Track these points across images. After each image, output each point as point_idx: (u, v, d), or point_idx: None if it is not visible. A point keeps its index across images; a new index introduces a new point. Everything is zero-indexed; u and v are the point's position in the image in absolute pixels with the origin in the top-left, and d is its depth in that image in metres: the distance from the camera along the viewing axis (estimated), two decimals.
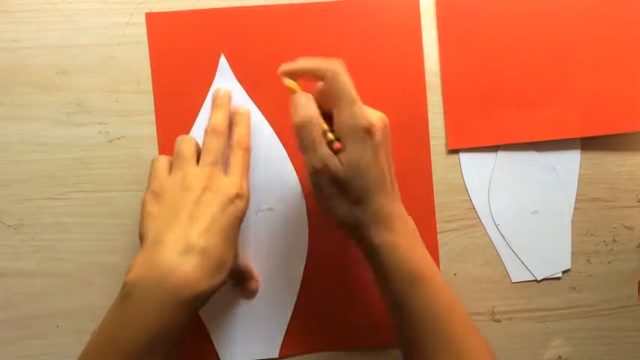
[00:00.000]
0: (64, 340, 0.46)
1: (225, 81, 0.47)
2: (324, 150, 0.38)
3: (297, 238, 0.47)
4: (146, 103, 0.47)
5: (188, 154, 0.42)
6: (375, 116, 0.39)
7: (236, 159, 0.43)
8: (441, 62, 0.48)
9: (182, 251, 0.36)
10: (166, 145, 0.47)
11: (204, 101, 0.47)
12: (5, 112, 0.46)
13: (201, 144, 0.43)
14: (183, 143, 0.42)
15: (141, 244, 0.39)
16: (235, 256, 0.41)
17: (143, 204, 0.41)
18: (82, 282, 0.46)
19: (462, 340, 0.39)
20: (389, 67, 0.48)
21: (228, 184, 0.41)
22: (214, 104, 0.45)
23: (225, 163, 0.42)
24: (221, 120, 0.44)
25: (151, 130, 0.47)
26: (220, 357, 0.47)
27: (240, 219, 0.41)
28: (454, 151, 0.49)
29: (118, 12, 0.46)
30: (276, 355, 0.47)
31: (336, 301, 0.48)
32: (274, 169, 0.47)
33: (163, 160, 0.43)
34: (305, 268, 0.47)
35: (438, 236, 0.48)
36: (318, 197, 0.41)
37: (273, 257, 0.47)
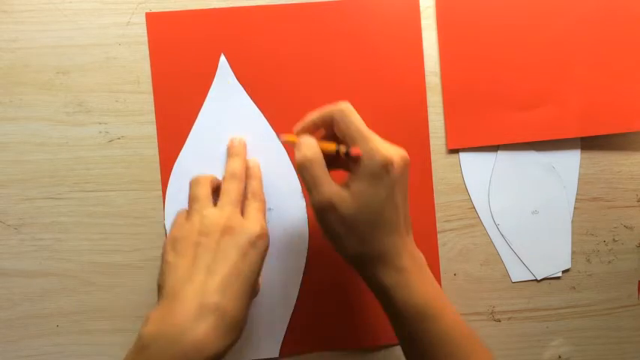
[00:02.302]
0: (64, 340, 0.46)
1: (225, 81, 0.47)
2: (330, 188, 0.38)
3: (297, 238, 0.47)
4: (146, 103, 0.47)
5: (203, 195, 0.41)
6: (394, 152, 0.38)
7: (253, 206, 0.42)
8: (441, 62, 0.48)
9: (197, 311, 0.35)
10: (166, 145, 0.47)
11: (204, 101, 0.47)
12: (5, 112, 0.46)
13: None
14: (197, 186, 0.42)
15: (158, 293, 0.39)
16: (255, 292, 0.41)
17: (162, 252, 0.40)
18: (82, 282, 0.46)
19: None
20: (389, 67, 0.48)
21: (249, 223, 0.40)
22: (230, 152, 0.45)
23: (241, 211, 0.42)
24: (239, 166, 0.44)
25: (151, 130, 0.47)
26: None
27: (261, 263, 0.39)
28: (454, 151, 0.49)
29: (118, 12, 0.46)
30: (277, 355, 0.47)
31: (336, 302, 0.48)
32: (274, 170, 0.47)
33: (183, 210, 0.42)
34: (305, 268, 0.47)
35: (438, 236, 0.48)
36: (326, 235, 0.40)
37: (273, 257, 0.47)
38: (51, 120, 0.46)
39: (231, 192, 0.41)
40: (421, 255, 0.40)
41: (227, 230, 0.39)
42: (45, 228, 0.46)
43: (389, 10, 0.48)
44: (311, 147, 0.39)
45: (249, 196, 0.43)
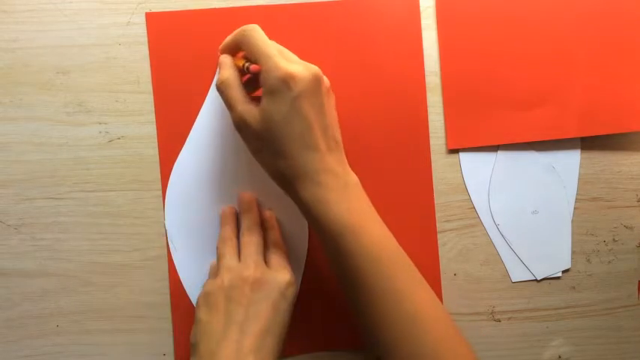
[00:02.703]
0: (64, 340, 0.46)
1: None
2: (242, 107, 0.39)
3: (297, 238, 0.47)
4: (146, 103, 0.47)
5: (228, 252, 0.43)
6: (297, 68, 0.38)
7: (277, 255, 0.43)
8: (441, 62, 0.48)
9: None
10: (166, 145, 0.47)
11: (204, 101, 0.47)
12: (5, 112, 0.46)
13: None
14: (222, 244, 0.44)
15: (191, 350, 0.39)
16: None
17: (196, 308, 0.41)
18: (82, 282, 0.46)
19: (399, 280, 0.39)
20: (389, 67, 0.48)
21: (276, 273, 0.41)
22: (242, 209, 0.46)
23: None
24: (254, 221, 0.45)
25: (151, 130, 0.47)
26: None
27: (291, 311, 0.41)
28: (454, 151, 0.49)
29: (118, 12, 0.46)
30: None
31: (336, 301, 0.48)
32: None
33: (214, 263, 0.44)
34: (305, 267, 0.47)
35: (438, 236, 0.48)
36: (251, 152, 0.41)
37: None
38: (51, 120, 0.46)
39: (250, 245, 0.43)
40: (352, 176, 0.40)
41: (256, 283, 0.40)
42: (45, 228, 0.46)
43: (389, 10, 0.48)
44: (227, 68, 0.41)
45: (271, 246, 0.44)
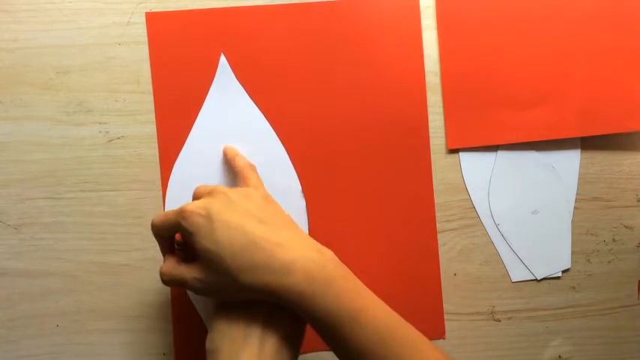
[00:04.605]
0: (64, 340, 0.46)
1: (225, 81, 0.47)
2: (178, 270, 0.39)
3: None
4: (146, 103, 0.47)
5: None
6: (190, 204, 0.38)
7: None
8: (441, 62, 0.48)
9: None
10: (166, 145, 0.47)
11: (204, 101, 0.47)
12: (5, 112, 0.46)
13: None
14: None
15: (207, 357, 0.38)
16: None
17: (213, 313, 0.39)
18: (82, 282, 0.46)
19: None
20: (389, 67, 0.48)
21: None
22: (229, 157, 0.46)
23: None
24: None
25: (151, 130, 0.47)
26: None
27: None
28: (454, 151, 0.49)
29: (118, 12, 0.46)
30: None
31: None
32: (274, 170, 0.47)
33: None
34: None
35: (438, 236, 0.48)
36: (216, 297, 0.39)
37: None
38: (51, 120, 0.46)
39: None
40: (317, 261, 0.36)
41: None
42: (45, 228, 0.46)
43: (389, 10, 0.48)
44: (169, 266, 0.40)
45: None
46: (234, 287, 0.36)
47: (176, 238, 0.41)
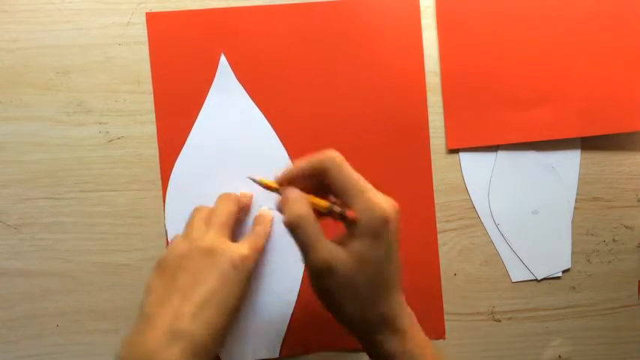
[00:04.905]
0: (64, 340, 0.46)
1: (225, 81, 0.47)
2: (325, 248, 0.35)
3: None
4: (146, 103, 0.47)
5: (195, 220, 0.41)
6: (388, 205, 0.35)
7: (248, 237, 0.42)
8: (441, 62, 0.48)
9: (168, 336, 0.35)
10: (166, 145, 0.47)
11: (204, 101, 0.47)
12: (5, 112, 0.46)
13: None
14: (194, 212, 0.42)
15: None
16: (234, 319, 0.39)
17: (148, 278, 0.40)
18: (82, 282, 0.46)
19: None
20: (389, 67, 0.48)
21: (233, 245, 0.39)
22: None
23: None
24: (236, 196, 0.44)
25: (151, 130, 0.47)
26: (221, 357, 0.47)
27: (243, 285, 0.38)
28: (454, 151, 0.49)
29: (118, 12, 0.46)
30: (277, 355, 0.47)
31: None
32: (273, 170, 0.47)
33: (177, 235, 0.42)
34: (305, 267, 0.47)
35: (438, 236, 0.48)
36: (323, 302, 0.37)
37: (272, 257, 0.47)
38: (51, 120, 0.46)
39: (222, 212, 0.41)
40: (411, 311, 0.38)
41: (208, 252, 0.38)
42: (45, 228, 0.46)
43: (389, 10, 0.48)
44: (301, 204, 0.35)
45: (251, 232, 0.44)
46: (352, 303, 0.35)
47: (347, 214, 0.35)
